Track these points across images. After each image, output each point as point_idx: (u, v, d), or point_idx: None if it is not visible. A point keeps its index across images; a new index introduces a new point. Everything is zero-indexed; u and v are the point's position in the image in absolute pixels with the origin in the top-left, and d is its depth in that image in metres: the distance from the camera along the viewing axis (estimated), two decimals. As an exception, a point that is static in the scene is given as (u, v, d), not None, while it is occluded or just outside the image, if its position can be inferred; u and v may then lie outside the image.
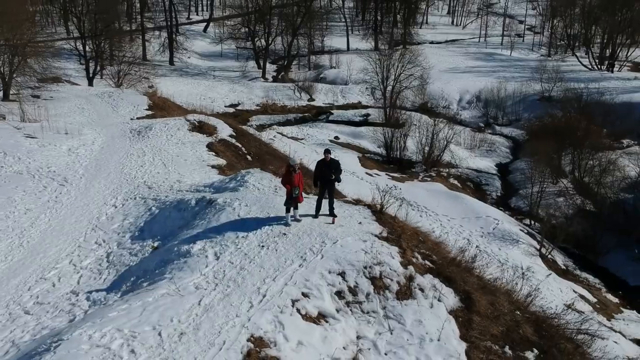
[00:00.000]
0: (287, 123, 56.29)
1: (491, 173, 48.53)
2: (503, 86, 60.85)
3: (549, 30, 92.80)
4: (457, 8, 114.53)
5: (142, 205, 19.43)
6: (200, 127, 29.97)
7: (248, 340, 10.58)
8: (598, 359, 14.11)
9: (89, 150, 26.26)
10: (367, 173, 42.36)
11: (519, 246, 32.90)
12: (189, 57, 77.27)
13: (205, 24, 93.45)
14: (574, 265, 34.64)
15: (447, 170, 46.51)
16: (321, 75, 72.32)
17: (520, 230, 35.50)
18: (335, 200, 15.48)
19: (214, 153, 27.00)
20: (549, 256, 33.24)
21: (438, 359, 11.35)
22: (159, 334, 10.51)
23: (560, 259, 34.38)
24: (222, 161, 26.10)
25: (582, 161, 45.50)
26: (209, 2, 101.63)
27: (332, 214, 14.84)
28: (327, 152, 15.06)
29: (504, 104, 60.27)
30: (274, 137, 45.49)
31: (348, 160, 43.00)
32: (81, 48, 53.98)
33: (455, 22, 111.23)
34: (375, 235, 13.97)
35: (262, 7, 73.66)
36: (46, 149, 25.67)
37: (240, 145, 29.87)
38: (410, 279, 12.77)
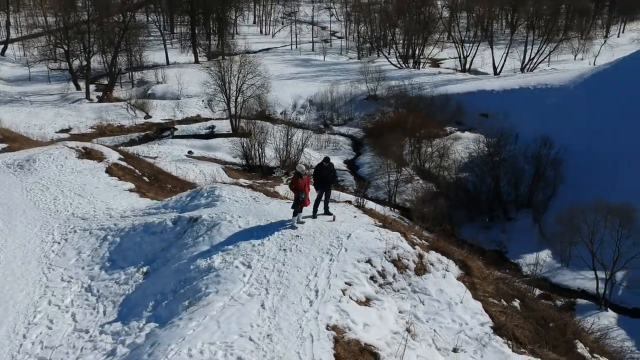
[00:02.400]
0: (132, 143, 54.41)
1: (343, 169, 52.06)
2: (334, 89, 65.14)
3: (353, 34, 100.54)
4: (263, 17, 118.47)
5: (91, 237, 18.74)
6: (88, 154, 28.73)
7: (327, 329, 11.66)
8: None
9: (-24, 190, 23.93)
10: (236, 183, 43.09)
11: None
12: (-9, 84, 70.55)
13: (2, 46, 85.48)
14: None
15: (306, 171, 49.02)
16: (149, 92, 70.55)
17: (392, 217, 39.17)
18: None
19: (116, 177, 26.36)
20: (421, 235, 37.34)
21: (467, 317, 13.40)
22: (250, 339, 11.13)
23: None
24: (129, 184, 25.67)
25: (421, 149, 51.12)
26: (3, 24, 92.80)
27: (328, 212, 16.20)
28: (326, 160, 16.47)
29: (337, 106, 64.61)
30: (131, 158, 44.17)
31: (213, 172, 43.47)
32: None
33: (263, 32, 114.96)
34: (376, 225, 15.64)
35: (77, 24, 69.75)
36: None
37: (133, 168, 29.24)
38: (420, 256, 14.68)
